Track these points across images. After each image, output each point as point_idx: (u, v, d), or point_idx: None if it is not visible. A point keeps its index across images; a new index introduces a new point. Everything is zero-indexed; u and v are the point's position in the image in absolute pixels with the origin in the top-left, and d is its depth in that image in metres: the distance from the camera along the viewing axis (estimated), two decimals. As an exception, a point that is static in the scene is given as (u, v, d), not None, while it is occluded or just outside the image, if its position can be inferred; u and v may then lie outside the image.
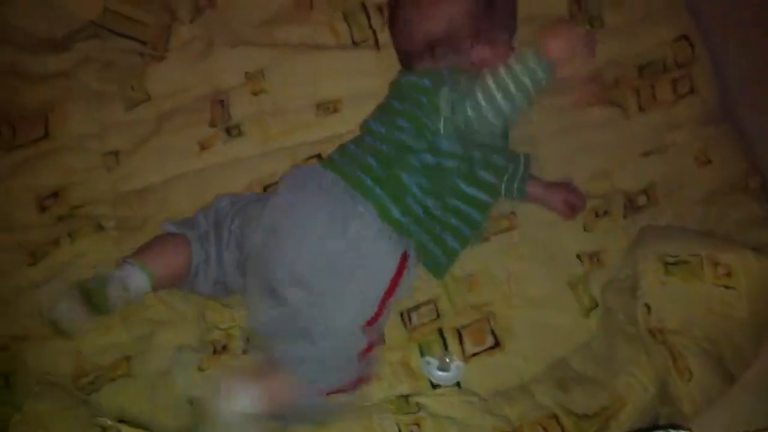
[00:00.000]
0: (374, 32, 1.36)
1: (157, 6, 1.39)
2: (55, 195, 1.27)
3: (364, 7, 1.38)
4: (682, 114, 1.33)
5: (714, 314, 1.07)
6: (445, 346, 1.18)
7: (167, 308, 1.17)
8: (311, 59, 1.34)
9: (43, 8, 1.37)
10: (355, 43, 1.37)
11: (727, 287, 1.07)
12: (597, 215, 1.27)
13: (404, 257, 1.10)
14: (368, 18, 1.37)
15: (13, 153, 1.29)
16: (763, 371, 0.99)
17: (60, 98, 1.32)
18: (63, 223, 1.24)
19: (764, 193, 1.28)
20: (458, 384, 1.16)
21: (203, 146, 1.30)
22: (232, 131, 1.31)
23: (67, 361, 1.14)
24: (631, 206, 1.28)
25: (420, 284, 1.20)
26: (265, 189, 1.28)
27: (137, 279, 1.11)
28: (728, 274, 1.07)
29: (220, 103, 1.33)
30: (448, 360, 1.16)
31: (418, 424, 1.07)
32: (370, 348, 1.09)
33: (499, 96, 1.05)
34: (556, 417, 1.09)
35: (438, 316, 1.20)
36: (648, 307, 1.09)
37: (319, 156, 1.29)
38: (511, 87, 1.05)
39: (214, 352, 1.15)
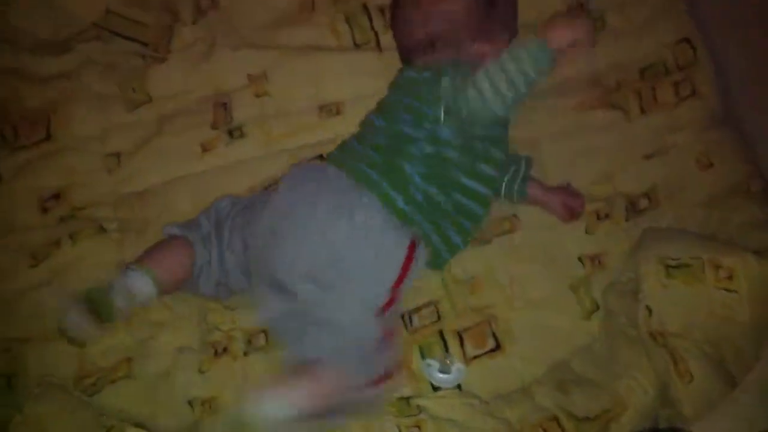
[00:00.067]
0: (376, 34, 1.37)
1: (159, 8, 1.39)
2: (56, 196, 1.27)
3: (365, 8, 1.38)
4: (684, 117, 1.33)
5: (715, 317, 1.07)
6: (446, 349, 1.18)
7: (168, 310, 1.18)
8: (313, 61, 1.35)
9: (46, 10, 1.37)
10: (357, 46, 1.37)
11: (728, 290, 1.06)
12: (599, 218, 1.27)
13: (412, 245, 1.10)
14: (370, 20, 1.37)
15: (15, 154, 1.29)
16: (765, 374, 0.99)
17: (62, 100, 1.32)
18: (64, 225, 1.24)
19: (766, 196, 1.27)
20: (459, 386, 1.16)
21: (205, 148, 1.30)
22: (234, 133, 1.31)
23: (68, 362, 1.15)
24: (633, 209, 1.28)
25: (421, 286, 1.20)
26: (266, 189, 1.27)
27: (142, 285, 1.10)
28: (730, 278, 1.07)
29: (222, 105, 1.33)
30: (448, 362, 1.16)
31: (418, 427, 1.07)
32: (389, 335, 1.09)
33: (502, 80, 1.05)
34: (557, 419, 1.09)
35: (439, 318, 1.20)
36: (649, 309, 1.09)
37: (321, 158, 1.29)
38: (514, 71, 1.05)
39: (215, 354, 1.16)
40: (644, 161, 1.31)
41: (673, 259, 1.10)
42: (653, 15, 1.37)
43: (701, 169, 1.30)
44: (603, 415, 1.09)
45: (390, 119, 1.19)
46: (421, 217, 1.11)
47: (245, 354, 1.16)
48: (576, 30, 1.07)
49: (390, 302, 1.09)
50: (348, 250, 1.07)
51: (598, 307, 1.21)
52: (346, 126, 1.29)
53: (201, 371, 1.15)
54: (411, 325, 1.20)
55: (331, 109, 1.33)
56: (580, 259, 1.24)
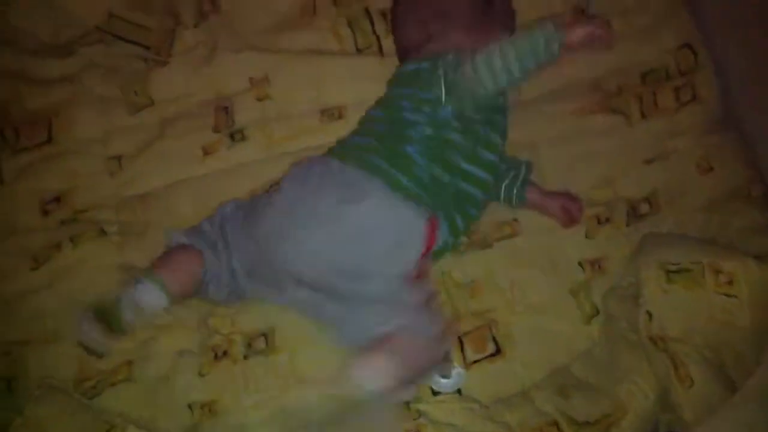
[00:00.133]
0: (378, 38, 1.37)
1: (161, 11, 1.40)
2: (57, 199, 1.27)
3: (367, 12, 1.38)
4: (685, 121, 1.33)
5: (716, 322, 1.07)
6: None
7: (168, 314, 1.17)
8: (315, 65, 1.35)
9: (48, 13, 1.38)
10: (359, 50, 1.37)
11: (728, 295, 1.06)
12: (599, 222, 1.27)
13: (432, 217, 1.10)
14: (372, 24, 1.37)
15: (17, 157, 1.29)
16: (765, 379, 0.98)
17: (64, 103, 1.32)
18: (66, 228, 1.24)
19: (766, 201, 1.27)
20: (459, 391, 1.15)
21: (207, 151, 1.31)
22: (236, 136, 1.32)
23: (68, 365, 1.15)
24: (634, 214, 1.28)
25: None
26: (267, 191, 1.27)
27: (152, 296, 1.10)
28: (730, 282, 1.06)
29: (224, 109, 1.33)
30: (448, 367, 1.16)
31: (418, 431, 1.07)
32: (430, 299, 1.10)
33: (511, 52, 1.06)
34: (556, 424, 1.09)
35: (439, 322, 1.20)
36: (649, 314, 1.09)
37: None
38: (526, 46, 1.06)
39: (215, 357, 1.16)
40: (645, 166, 1.31)
41: (673, 264, 1.10)
42: (655, 20, 1.37)
43: (702, 173, 1.30)
44: (603, 419, 1.09)
45: (389, 109, 1.20)
46: (427, 195, 1.11)
47: (245, 357, 1.16)
48: (596, 33, 1.07)
49: (420, 273, 1.10)
50: (365, 235, 1.07)
51: (598, 312, 1.21)
52: (348, 130, 1.28)
53: (201, 374, 1.15)
54: (411, 328, 1.19)
55: (333, 113, 1.33)
56: (580, 263, 1.24)
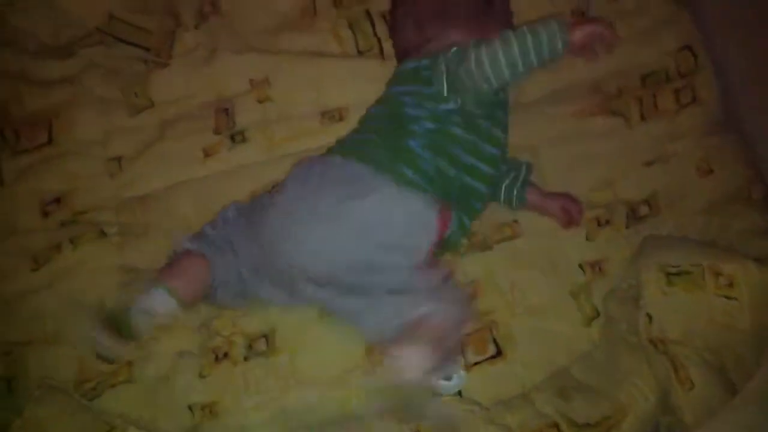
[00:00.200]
0: (379, 41, 1.37)
1: (161, 13, 1.40)
2: (57, 200, 1.27)
3: (368, 15, 1.38)
4: (685, 124, 1.33)
5: (716, 325, 1.07)
6: (447, 355, 1.18)
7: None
8: (316, 67, 1.35)
9: (49, 14, 1.38)
10: (359, 52, 1.37)
11: (728, 298, 1.06)
12: (599, 224, 1.27)
13: (442, 208, 1.10)
14: (373, 26, 1.37)
15: (17, 158, 1.29)
16: (765, 382, 0.99)
17: (64, 104, 1.32)
18: (66, 229, 1.24)
19: (767, 203, 1.27)
20: (459, 393, 1.15)
21: (207, 153, 1.30)
22: (237, 138, 1.32)
23: (69, 366, 1.15)
24: (634, 216, 1.28)
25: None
26: (269, 192, 1.26)
27: (163, 303, 1.10)
28: (730, 285, 1.07)
29: (224, 111, 1.33)
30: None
31: (419, 432, 1.08)
32: (446, 276, 1.11)
33: (515, 48, 1.06)
34: (557, 426, 1.08)
35: (440, 324, 1.20)
36: (649, 316, 1.09)
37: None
38: (529, 43, 1.06)
39: (216, 359, 1.16)
40: (645, 168, 1.31)
41: (673, 267, 1.10)
42: (655, 23, 1.37)
43: (701, 176, 1.31)
44: (603, 421, 1.09)
45: (389, 105, 1.20)
46: (434, 189, 1.11)
47: (246, 359, 1.16)
48: (600, 35, 1.08)
49: (431, 262, 1.11)
50: (375, 228, 1.07)
51: (598, 314, 1.21)
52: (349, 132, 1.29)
53: (201, 376, 1.15)
54: (411, 330, 1.19)
55: (333, 115, 1.33)
56: (580, 265, 1.24)
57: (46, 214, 1.26)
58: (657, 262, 1.11)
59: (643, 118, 1.33)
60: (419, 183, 1.10)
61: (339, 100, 1.33)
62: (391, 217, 1.08)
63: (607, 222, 1.27)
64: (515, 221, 1.27)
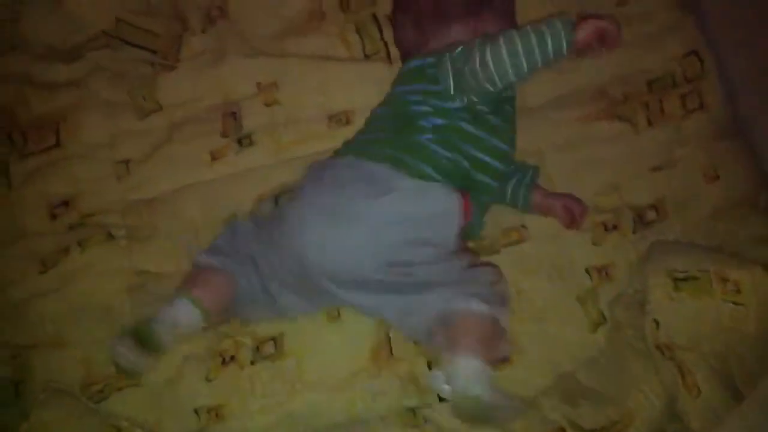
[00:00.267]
0: (386, 45, 1.36)
1: (169, 16, 1.40)
2: (65, 203, 1.27)
3: (375, 18, 1.38)
4: (691, 129, 1.33)
5: (723, 331, 1.07)
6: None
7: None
8: (323, 70, 1.35)
9: (56, 18, 1.38)
10: (366, 56, 1.37)
11: (736, 303, 1.06)
12: (606, 229, 1.26)
13: (463, 192, 1.11)
14: (380, 30, 1.37)
15: (25, 161, 1.29)
16: (772, 389, 0.99)
17: (71, 107, 1.32)
18: (73, 232, 1.25)
19: (774, 209, 1.28)
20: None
21: (214, 156, 1.30)
22: (244, 141, 1.32)
23: (76, 369, 1.15)
24: (640, 221, 1.27)
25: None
26: (276, 200, 1.27)
27: (189, 314, 1.10)
28: (737, 291, 1.07)
29: (232, 114, 1.33)
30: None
31: (425, 437, 1.08)
32: (474, 260, 1.13)
33: (519, 49, 1.06)
34: (563, 431, 1.09)
35: (446, 328, 1.20)
36: (656, 322, 1.09)
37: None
38: (534, 43, 1.05)
39: (223, 362, 1.16)
40: (651, 173, 1.31)
41: (680, 272, 1.10)
42: (662, 28, 1.37)
43: (708, 181, 1.30)
44: (610, 427, 1.09)
45: (394, 104, 1.20)
46: (452, 182, 1.11)
47: (252, 363, 1.16)
48: (606, 31, 1.07)
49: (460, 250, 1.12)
50: (398, 225, 1.07)
51: (605, 319, 1.21)
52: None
53: (208, 379, 1.15)
54: (418, 335, 1.20)
55: (340, 119, 1.33)
56: (587, 270, 1.24)
57: (54, 217, 1.26)
58: (664, 267, 1.12)
59: (650, 123, 1.32)
60: (435, 176, 1.10)
61: (346, 104, 1.33)
62: (414, 212, 1.08)
63: (614, 227, 1.27)
64: (523, 225, 1.27)
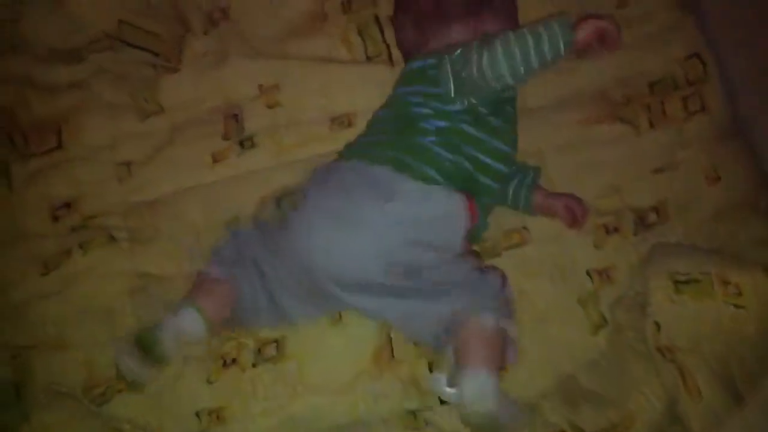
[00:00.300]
0: (388, 47, 1.36)
1: (171, 18, 1.40)
2: (67, 205, 1.27)
3: (377, 20, 1.38)
4: (693, 131, 1.33)
5: (724, 333, 1.07)
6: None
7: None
8: (325, 72, 1.35)
9: (58, 19, 1.38)
10: (368, 58, 1.37)
11: (737, 306, 1.06)
12: (607, 232, 1.26)
13: (467, 195, 1.11)
14: (382, 32, 1.37)
15: (27, 163, 1.30)
16: (773, 391, 0.99)
17: (73, 109, 1.32)
18: (75, 234, 1.25)
19: (775, 211, 1.27)
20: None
21: (216, 159, 1.30)
22: (246, 143, 1.32)
23: (78, 371, 1.16)
24: (642, 223, 1.27)
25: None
26: (278, 202, 1.26)
27: (191, 322, 1.09)
28: (739, 293, 1.07)
29: (233, 116, 1.33)
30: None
31: (426, 439, 1.08)
32: (478, 262, 1.14)
33: (517, 52, 1.05)
34: (564, 433, 1.09)
35: (447, 330, 1.20)
36: (657, 324, 1.09)
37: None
38: (532, 45, 1.05)
39: (224, 364, 1.16)
40: (653, 175, 1.30)
41: (682, 274, 1.10)
42: (663, 30, 1.37)
43: (710, 183, 1.30)
44: (611, 429, 1.09)
45: (396, 107, 1.20)
46: (454, 184, 1.11)
47: (254, 365, 1.17)
48: (605, 31, 1.07)
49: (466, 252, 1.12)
50: (404, 228, 1.07)
51: (606, 322, 1.21)
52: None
53: (209, 382, 1.16)
54: (419, 337, 1.20)
55: (342, 121, 1.33)
56: (588, 273, 1.24)
57: (55, 219, 1.26)
58: (665, 269, 1.12)
59: (651, 125, 1.32)
60: (438, 179, 1.10)
61: (348, 106, 1.33)
62: (419, 215, 1.08)
63: (615, 229, 1.26)
64: (524, 228, 1.27)
